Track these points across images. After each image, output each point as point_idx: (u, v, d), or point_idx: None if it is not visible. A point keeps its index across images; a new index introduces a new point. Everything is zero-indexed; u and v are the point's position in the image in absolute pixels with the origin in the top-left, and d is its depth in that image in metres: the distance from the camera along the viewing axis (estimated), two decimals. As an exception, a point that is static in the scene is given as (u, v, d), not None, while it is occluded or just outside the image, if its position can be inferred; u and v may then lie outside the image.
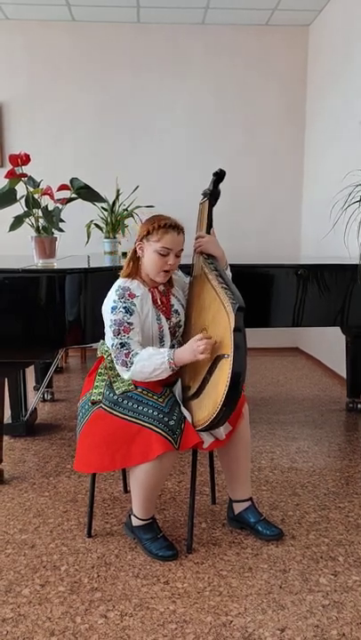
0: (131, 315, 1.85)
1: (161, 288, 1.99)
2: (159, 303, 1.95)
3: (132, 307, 1.86)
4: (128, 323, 1.84)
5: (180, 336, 2.03)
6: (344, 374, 3.74)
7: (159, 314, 1.94)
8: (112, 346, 1.86)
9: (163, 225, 1.86)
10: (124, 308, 1.85)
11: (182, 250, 1.92)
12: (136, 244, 1.93)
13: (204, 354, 1.75)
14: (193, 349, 1.77)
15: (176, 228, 1.88)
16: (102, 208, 2.84)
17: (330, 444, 2.98)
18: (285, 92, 4.98)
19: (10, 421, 3.01)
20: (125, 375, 1.86)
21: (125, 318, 1.84)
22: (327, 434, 3.13)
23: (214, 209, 2.14)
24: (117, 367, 1.88)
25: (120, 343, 1.84)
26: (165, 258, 1.88)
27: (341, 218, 2.77)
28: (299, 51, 4.93)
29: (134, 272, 1.94)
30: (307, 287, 2.83)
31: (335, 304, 2.90)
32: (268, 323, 2.88)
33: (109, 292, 1.91)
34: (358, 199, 2.67)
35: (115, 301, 1.86)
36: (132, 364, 1.83)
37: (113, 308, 1.86)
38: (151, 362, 1.81)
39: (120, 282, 1.92)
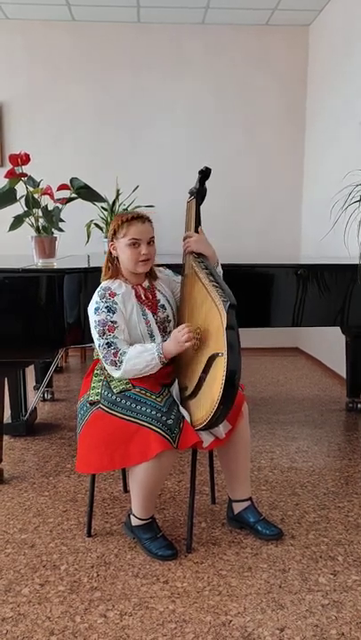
0: (113, 313, 1.86)
1: (145, 284, 2.00)
2: (143, 298, 1.96)
3: (115, 305, 1.87)
4: (112, 322, 1.86)
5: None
6: (344, 374, 3.74)
7: (144, 309, 1.94)
8: (99, 346, 1.87)
9: (125, 219, 1.88)
10: (106, 307, 1.86)
11: (153, 237, 1.93)
12: (109, 246, 1.95)
13: (189, 342, 1.78)
14: (177, 339, 1.81)
15: (139, 217, 1.89)
16: (102, 208, 2.84)
17: (330, 443, 2.98)
18: (285, 91, 4.98)
19: (10, 421, 3.01)
20: (116, 374, 1.87)
21: (108, 317, 1.86)
22: (327, 434, 3.13)
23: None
24: (107, 367, 1.89)
25: (106, 343, 1.85)
26: (138, 248, 1.89)
27: (341, 218, 2.77)
28: (299, 51, 4.93)
29: (115, 273, 1.96)
30: (307, 287, 2.83)
31: (335, 304, 2.90)
32: (268, 323, 2.88)
33: (93, 295, 1.92)
34: (358, 199, 2.67)
35: (97, 302, 1.88)
36: (121, 362, 1.84)
37: (96, 309, 1.87)
38: (141, 359, 1.83)
39: (102, 284, 1.94)
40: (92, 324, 1.89)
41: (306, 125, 5.03)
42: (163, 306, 2.00)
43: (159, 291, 2.03)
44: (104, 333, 1.85)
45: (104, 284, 1.93)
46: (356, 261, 2.81)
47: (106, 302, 1.87)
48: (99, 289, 1.91)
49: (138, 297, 1.94)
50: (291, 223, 5.18)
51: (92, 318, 1.89)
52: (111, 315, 1.86)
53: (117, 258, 1.94)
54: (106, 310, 1.86)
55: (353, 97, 3.92)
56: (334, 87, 4.31)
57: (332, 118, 4.38)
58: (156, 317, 1.97)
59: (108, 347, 1.85)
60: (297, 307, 2.84)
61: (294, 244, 5.19)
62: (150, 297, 1.98)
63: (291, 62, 4.95)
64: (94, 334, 1.89)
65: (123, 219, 1.89)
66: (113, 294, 1.89)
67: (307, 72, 4.96)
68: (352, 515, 2.22)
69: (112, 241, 1.93)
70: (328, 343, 4.42)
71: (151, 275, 2.03)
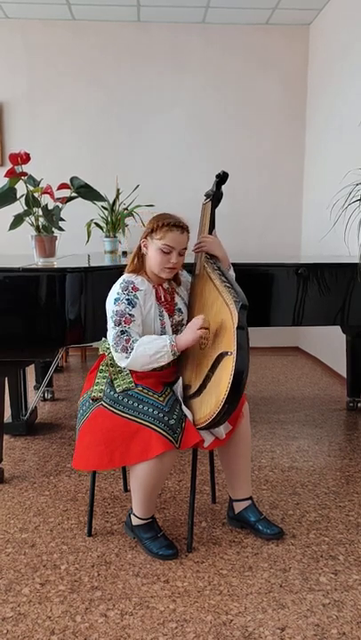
0: (133, 307, 1.87)
1: (165, 286, 2.00)
2: (163, 300, 1.96)
3: (135, 299, 1.88)
4: (130, 314, 1.86)
5: None
6: (344, 373, 3.74)
7: (162, 310, 1.95)
8: (112, 335, 1.87)
9: (166, 223, 1.88)
10: (127, 299, 1.87)
11: (186, 249, 1.93)
12: (141, 241, 1.95)
13: (202, 331, 1.80)
14: (192, 328, 1.82)
15: (180, 227, 1.89)
16: (102, 207, 2.83)
17: (330, 443, 2.97)
18: (286, 91, 4.98)
19: (10, 420, 3.00)
20: (124, 363, 1.86)
21: (127, 310, 1.86)
22: (327, 433, 3.13)
23: (217, 209, 2.15)
24: (116, 355, 1.87)
25: (121, 331, 1.85)
26: (168, 256, 1.89)
27: (342, 217, 2.77)
28: (299, 50, 4.92)
29: (139, 268, 1.96)
30: (307, 286, 2.83)
31: (335, 303, 2.89)
32: (268, 322, 2.88)
33: (114, 285, 1.93)
34: (358, 198, 2.67)
35: (118, 293, 1.88)
36: (132, 349, 1.84)
37: (116, 300, 1.87)
38: (152, 345, 1.83)
39: (125, 276, 1.94)
40: (109, 314, 1.89)
41: (306, 124, 5.02)
42: (179, 309, 2.02)
43: (178, 294, 2.04)
44: (120, 323, 1.86)
45: (127, 276, 1.93)
46: (357, 260, 2.81)
47: (128, 295, 1.87)
48: (121, 280, 1.92)
49: (158, 297, 1.95)
50: (291, 222, 5.18)
51: (111, 308, 1.88)
52: (130, 308, 1.86)
53: (145, 255, 1.95)
54: (126, 302, 1.86)
55: (353, 96, 3.92)
56: (335, 86, 4.31)
57: (332, 117, 4.37)
58: (171, 319, 1.98)
59: (122, 334, 1.85)
60: (297, 306, 2.84)
61: (295, 244, 5.19)
62: (169, 299, 1.99)
63: (291, 61, 4.94)
64: (109, 323, 1.89)
65: (165, 222, 1.88)
66: (136, 289, 1.89)
67: (307, 71, 4.96)
68: (353, 514, 2.22)
69: (145, 238, 1.93)
70: (328, 342, 4.42)
71: (175, 280, 2.03)
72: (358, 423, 3.32)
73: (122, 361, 1.87)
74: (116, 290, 1.90)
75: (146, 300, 1.91)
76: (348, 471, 2.62)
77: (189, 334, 1.83)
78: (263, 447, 2.90)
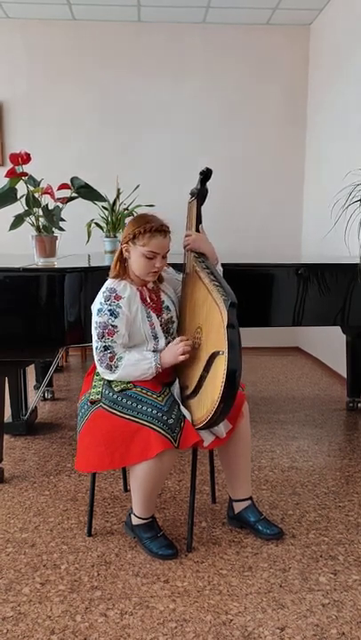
0: (116, 317, 1.86)
1: (150, 285, 2.00)
2: (148, 301, 1.96)
3: (118, 309, 1.87)
4: (112, 326, 1.86)
5: (175, 333, 2.04)
6: (344, 374, 3.74)
7: (149, 311, 1.94)
8: (96, 348, 1.88)
9: (149, 229, 1.85)
10: (110, 310, 1.86)
11: (169, 250, 1.93)
12: (122, 246, 1.93)
13: (183, 356, 1.83)
14: (173, 352, 1.85)
15: (162, 231, 1.87)
16: (103, 207, 2.84)
17: (330, 443, 2.98)
18: (286, 90, 4.98)
19: (10, 420, 3.01)
20: (109, 377, 1.89)
21: (110, 321, 1.86)
22: (327, 433, 3.13)
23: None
24: (100, 369, 1.89)
25: (104, 346, 1.86)
26: (152, 261, 1.88)
27: (342, 217, 2.77)
28: (300, 50, 4.92)
29: (122, 273, 1.94)
30: (307, 286, 2.83)
31: (336, 303, 2.90)
32: (268, 322, 2.88)
33: (99, 292, 1.92)
34: (359, 199, 2.67)
35: (101, 303, 1.88)
36: (116, 367, 1.85)
37: (99, 310, 1.88)
38: (138, 367, 1.85)
39: (108, 283, 1.93)
40: (93, 324, 1.89)
41: (307, 124, 5.02)
42: (167, 307, 2.01)
43: (164, 292, 2.04)
44: (103, 336, 1.86)
45: (110, 284, 1.92)
46: (357, 261, 2.81)
47: (110, 305, 1.86)
48: (104, 289, 1.91)
49: (143, 299, 1.94)
50: (292, 222, 5.18)
51: (94, 319, 1.89)
52: (113, 319, 1.86)
53: (127, 260, 1.93)
54: (108, 313, 1.86)
55: (354, 96, 3.92)
56: (335, 86, 4.31)
57: (333, 117, 4.37)
58: (160, 319, 1.97)
59: (105, 350, 1.86)
60: (297, 306, 2.84)
61: (295, 244, 5.19)
62: (155, 299, 1.98)
63: (292, 61, 4.94)
64: (93, 335, 1.89)
65: (146, 228, 1.85)
66: (118, 297, 1.88)
67: (308, 71, 4.96)
68: (352, 514, 2.22)
69: (127, 243, 1.90)
70: (328, 342, 4.42)
71: (157, 277, 2.02)
72: (358, 423, 3.32)
73: (106, 376, 1.89)
74: (99, 299, 1.89)
75: (131, 305, 1.90)
76: (347, 471, 2.63)
77: (170, 358, 1.86)
78: (263, 447, 2.91)
